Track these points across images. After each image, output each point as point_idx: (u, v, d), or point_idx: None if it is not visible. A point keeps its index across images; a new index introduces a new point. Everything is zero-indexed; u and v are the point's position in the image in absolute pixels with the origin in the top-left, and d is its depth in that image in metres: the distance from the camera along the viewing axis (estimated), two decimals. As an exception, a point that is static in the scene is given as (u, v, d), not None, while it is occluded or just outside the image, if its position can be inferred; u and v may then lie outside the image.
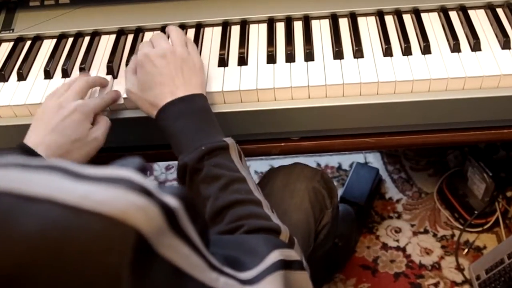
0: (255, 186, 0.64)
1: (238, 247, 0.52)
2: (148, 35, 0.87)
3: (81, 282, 0.31)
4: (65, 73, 0.83)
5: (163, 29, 0.86)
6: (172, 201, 0.37)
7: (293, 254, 0.54)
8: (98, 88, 0.78)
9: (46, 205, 0.32)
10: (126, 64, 0.81)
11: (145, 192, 0.34)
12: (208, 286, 0.40)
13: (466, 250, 1.27)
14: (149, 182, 0.35)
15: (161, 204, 0.35)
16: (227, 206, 0.59)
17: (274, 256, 0.50)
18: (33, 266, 0.31)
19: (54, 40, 0.88)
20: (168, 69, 0.69)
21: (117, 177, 0.35)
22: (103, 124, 0.72)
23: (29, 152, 0.66)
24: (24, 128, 0.70)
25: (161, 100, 0.68)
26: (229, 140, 0.65)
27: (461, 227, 1.30)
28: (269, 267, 0.49)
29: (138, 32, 0.87)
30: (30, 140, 0.68)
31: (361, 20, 0.84)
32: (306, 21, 0.85)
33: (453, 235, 1.31)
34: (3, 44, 0.89)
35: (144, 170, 0.38)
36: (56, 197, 0.32)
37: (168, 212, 0.36)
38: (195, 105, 0.68)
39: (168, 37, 0.75)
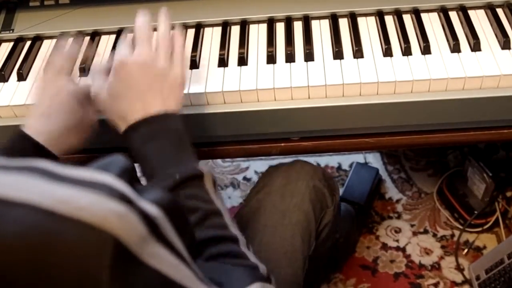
0: (230, 219, 0.61)
1: (222, 273, 0.52)
2: (148, 35, 0.87)
3: (60, 286, 0.32)
4: (65, 73, 0.82)
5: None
6: (152, 209, 0.36)
7: None
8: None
9: (25, 210, 0.32)
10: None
11: (125, 199, 0.34)
12: None
13: (466, 250, 1.27)
14: (129, 190, 0.35)
15: (140, 212, 0.35)
16: (203, 243, 0.57)
17: (255, 286, 0.52)
18: (11, 269, 0.31)
19: (54, 40, 0.88)
20: (145, 81, 0.62)
21: (97, 181, 0.35)
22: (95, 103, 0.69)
23: (29, 140, 0.65)
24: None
25: (131, 115, 0.62)
26: (204, 168, 0.61)
27: (461, 227, 1.30)
28: None
29: (138, 32, 0.87)
30: (27, 127, 0.66)
31: (361, 20, 0.84)
32: (306, 21, 0.85)
33: (453, 235, 1.31)
34: (3, 44, 0.89)
35: (127, 172, 0.38)
36: (34, 201, 0.32)
37: (148, 220, 0.35)
38: (168, 127, 0.63)
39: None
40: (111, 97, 0.64)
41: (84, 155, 0.81)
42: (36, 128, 0.66)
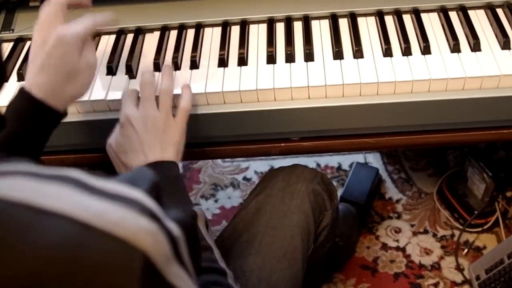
0: (220, 256, 0.65)
1: None
2: (148, 36, 0.87)
3: None
4: (65, 73, 0.82)
5: (163, 29, 0.86)
6: (175, 229, 0.37)
7: None
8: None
9: (59, 220, 0.32)
10: (126, 64, 0.81)
11: (154, 217, 0.35)
12: None
13: (466, 250, 1.27)
14: (157, 207, 0.36)
15: (167, 231, 0.35)
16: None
17: None
18: (44, 279, 0.31)
19: (54, 40, 0.88)
20: (147, 136, 0.68)
21: (129, 197, 0.35)
22: (90, 45, 0.68)
23: (24, 94, 0.64)
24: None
25: (133, 164, 0.68)
26: (198, 210, 0.66)
27: (461, 227, 1.30)
28: None
29: (138, 32, 0.87)
30: (26, 82, 0.65)
31: (361, 20, 0.84)
32: (306, 21, 0.85)
33: (453, 235, 1.31)
34: (3, 44, 0.89)
35: (155, 187, 0.39)
36: (69, 212, 0.33)
37: (172, 240, 0.36)
38: (166, 174, 0.67)
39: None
40: (117, 151, 0.70)
41: (87, 154, 0.82)
42: (36, 82, 0.65)
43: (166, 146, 0.69)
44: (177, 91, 0.76)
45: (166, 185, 0.65)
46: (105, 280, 0.32)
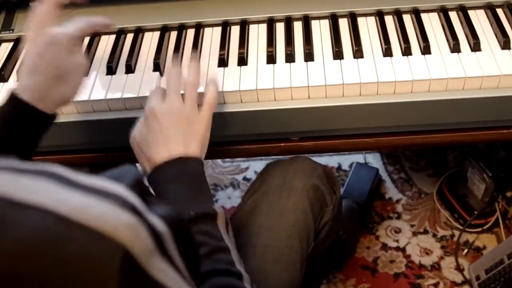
0: (238, 257, 0.63)
1: None
2: (148, 35, 0.87)
3: None
4: (65, 73, 0.82)
5: (163, 29, 0.86)
6: (159, 225, 0.37)
7: None
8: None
9: (38, 213, 0.32)
10: (126, 64, 0.81)
11: (136, 212, 0.35)
12: None
13: (466, 251, 1.27)
14: (139, 202, 0.36)
15: (149, 226, 0.35)
16: (208, 274, 0.58)
17: None
18: (20, 270, 0.31)
19: (54, 40, 0.88)
20: (171, 128, 0.66)
21: (110, 191, 0.35)
22: (79, 46, 0.68)
23: (13, 98, 0.64)
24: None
25: (156, 158, 0.66)
26: (218, 209, 0.64)
27: (460, 227, 1.30)
28: None
29: (138, 32, 0.87)
30: (17, 85, 0.65)
31: (361, 20, 0.84)
32: (306, 21, 0.85)
33: (452, 236, 1.31)
34: (3, 44, 0.89)
35: (139, 183, 0.39)
36: (48, 205, 0.33)
37: (155, 235, 0.36)
38: (189, 170, 0.66)
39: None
40: (141, 144, 0.67)
41: (87, 154, 0.82)
42: (25, 85, 0.64)
43: (190, 140, 0.67)
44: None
45: (188, 181, 0.65)
46: (84, 272, 0.32)
